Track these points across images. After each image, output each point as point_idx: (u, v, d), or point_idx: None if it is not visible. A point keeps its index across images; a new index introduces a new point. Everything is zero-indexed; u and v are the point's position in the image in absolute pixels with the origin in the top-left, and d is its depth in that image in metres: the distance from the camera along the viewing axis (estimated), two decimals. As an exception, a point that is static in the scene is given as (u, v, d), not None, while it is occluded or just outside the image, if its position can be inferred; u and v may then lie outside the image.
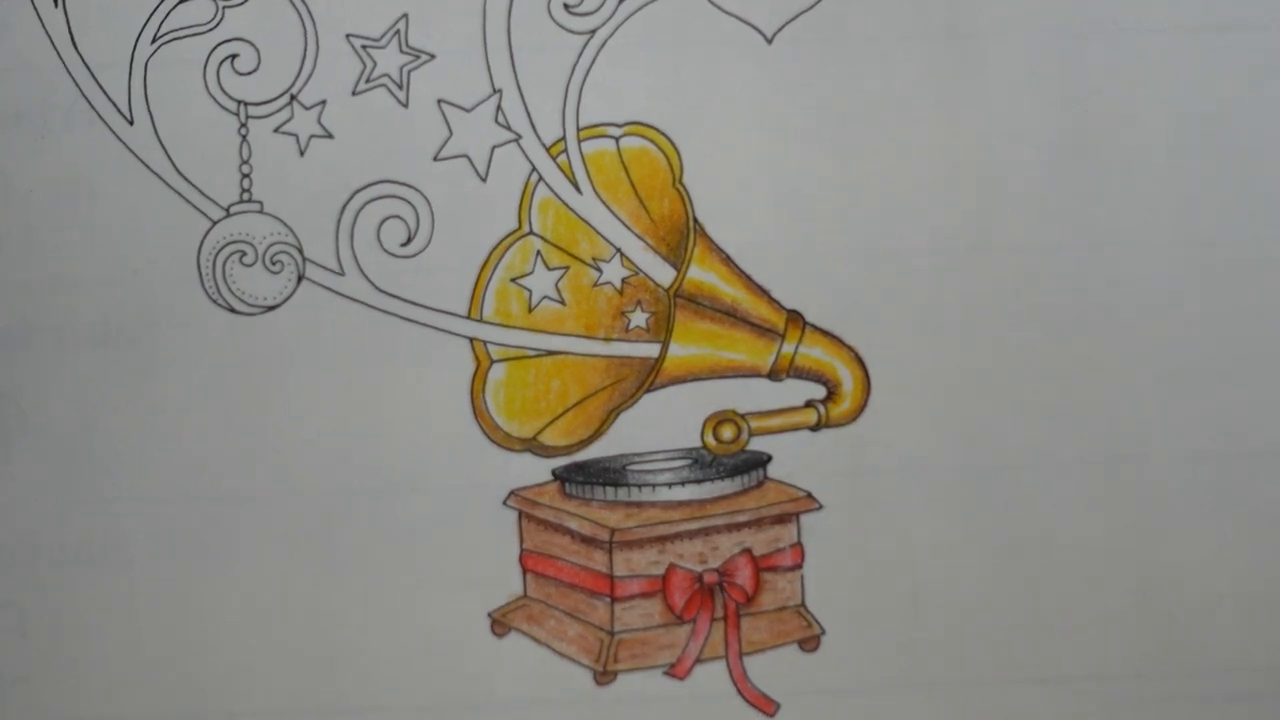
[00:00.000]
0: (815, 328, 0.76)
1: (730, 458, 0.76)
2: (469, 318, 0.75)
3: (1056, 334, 0.76)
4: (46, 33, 0.75)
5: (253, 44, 0.75)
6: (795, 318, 0.75)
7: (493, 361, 0.75)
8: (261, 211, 0.75)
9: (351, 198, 0.75)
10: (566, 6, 0.76)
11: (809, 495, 0.75)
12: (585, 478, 0.75)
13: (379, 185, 0.75)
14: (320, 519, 0.74)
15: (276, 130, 0.75)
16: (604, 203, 0.76)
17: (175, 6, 0.75)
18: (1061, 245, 0.76)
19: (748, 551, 0.75)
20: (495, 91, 0.75)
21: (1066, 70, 0.76)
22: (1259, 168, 0.76)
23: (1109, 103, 0.76)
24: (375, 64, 0.75)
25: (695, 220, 0.76)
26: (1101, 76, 0.76)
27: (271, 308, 0.75)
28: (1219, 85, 0.76)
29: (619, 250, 0.76)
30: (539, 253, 0.75)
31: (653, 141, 0.76)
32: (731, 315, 0.76)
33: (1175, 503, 0.75)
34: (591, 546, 0.74)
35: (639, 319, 0.76)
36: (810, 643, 0.75)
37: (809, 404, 0.76)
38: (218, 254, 0.74)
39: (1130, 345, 0.76)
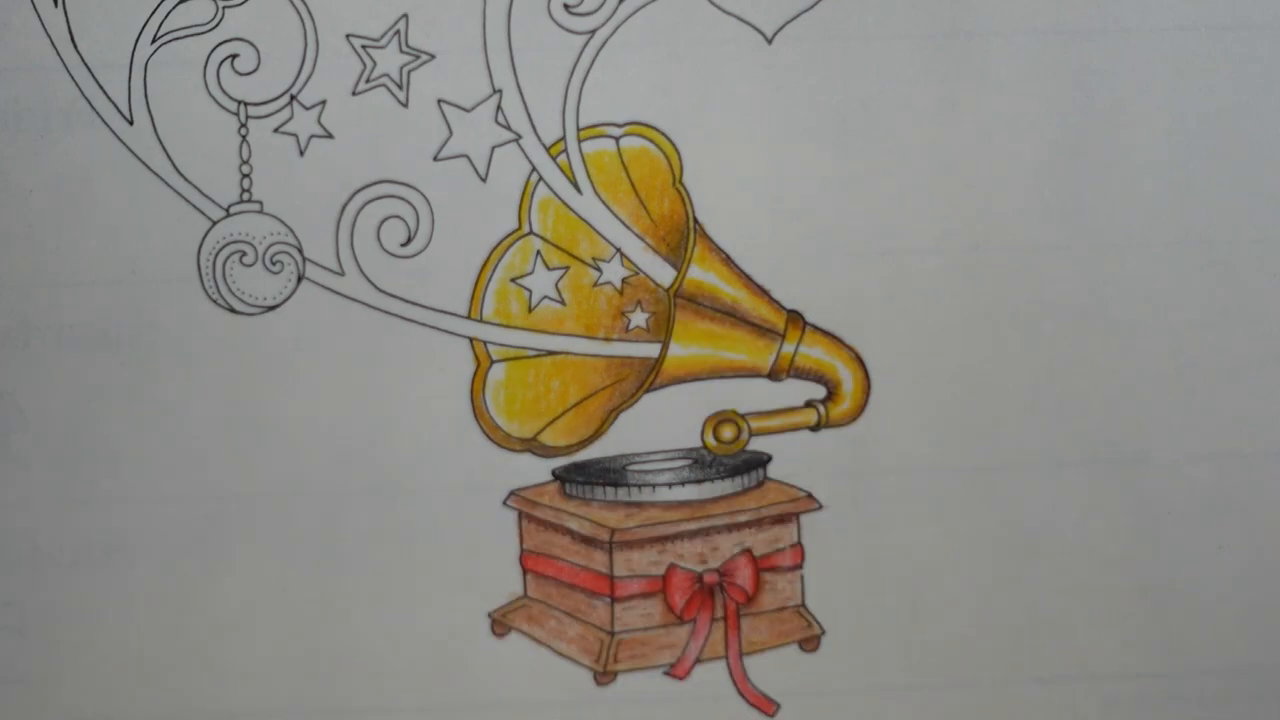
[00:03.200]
0: (815, 328, 0.75)
1: (730, 458, 0.76)
2: (469, 318, 0.75)
3: (1056, 334, 0.76)
4: (46, 33, 0.75)
5: (253, 44, 0.75)
6: (795, 318, 0.75)
7: (493, 361, 0.75)
8: (261, 211, 0.75)
9: (351, 198, 0.75)
10: (566, 6, 0.76)
11: (809, 495, 0.75)
12: (585, 478, 0.75)
13: (379, 185, 0.75)
14: (320, 519, 0.74)
15: (276, 130, 0.75)
16: (604, 203, 0.76)
17: (175, 6, 0.75)
18: (1061, 245, 0.76)
19: (748, 552, 0.75)
20: (495, 91, 0.75)
21: (1066, 70, 0.76)
22: (1259, 168, 0.76)
23: (1109, 103, 0.76)
24: (375, 64, 0.75)
25: (695, 220, 0.76)
26: (1101, 76, 0.76)
27: (271, 308, 0.75)
28: (1219, 85, 0.76)
29: (619, 250, 0.76)
30: (539, 253, 0.75)
31: (653, 141, 0.76)
32: (732, 315, 0.76)
33: (1175, 503, 0.75)
34: (591, 547, 0.74)
35: (639, 319, 0.76)
36: (810, 643, 0.75)
37: (809, 404, 0.76)
38: (218, 254, 0.74)
39: (1130, 345, 0.76)
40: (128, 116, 0.75)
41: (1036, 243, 0.76)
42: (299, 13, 0.75)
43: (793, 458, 0.75)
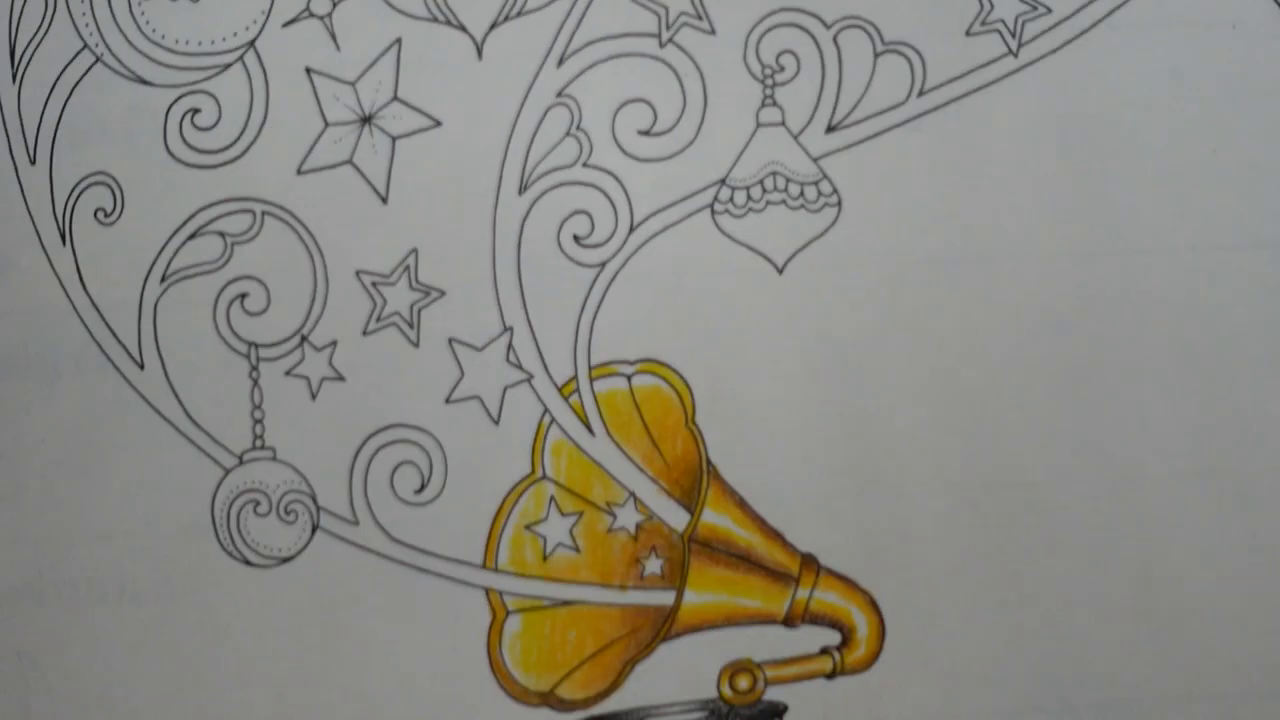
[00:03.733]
0: (830, 572, 0.75)
1: (747, 708, 0.75)
2: (484, 567, 0.75)
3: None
4: (55, 272, 0.75)
5: (262, 282, 0.75)
6: (810, 562, 0.75)
7: (509, 613, 0.74)
8: (274, 459, 0.74)
9: (364, 443, 0.74)
10: (576, 238, 0.75)
11: (827, 745, 0.75)
12: (604, 731, 0.75)
13: (391, 430, 0.74)
14: (338, 782, 0.74)
15: (288, 373, 0.75)
16: (617, 445, 0.75)
17: (184, 244, 0.75)
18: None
19: (767, 801, 0.75)
20: (506, 329, 0.75)
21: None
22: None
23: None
24: (385, 301, 0.75)
25: (709, 462, 0.75)
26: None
27: (286, 559, 0.74)
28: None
29: (632, 494, 0.75)
30: (553, 498, 0.75)
31: (665, 380, 0.75)
32: (746, 560, 0.75)
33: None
34: (612, 801, 0.74)
35: (653, 565, 0.75)
36: None
37: (824, 651, 0.75)
38: (231, 504, 0.74)
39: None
40: (138, 360, 0.75)
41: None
42: (308, 248, 0.75)
43: (810, 706, 0.75)
